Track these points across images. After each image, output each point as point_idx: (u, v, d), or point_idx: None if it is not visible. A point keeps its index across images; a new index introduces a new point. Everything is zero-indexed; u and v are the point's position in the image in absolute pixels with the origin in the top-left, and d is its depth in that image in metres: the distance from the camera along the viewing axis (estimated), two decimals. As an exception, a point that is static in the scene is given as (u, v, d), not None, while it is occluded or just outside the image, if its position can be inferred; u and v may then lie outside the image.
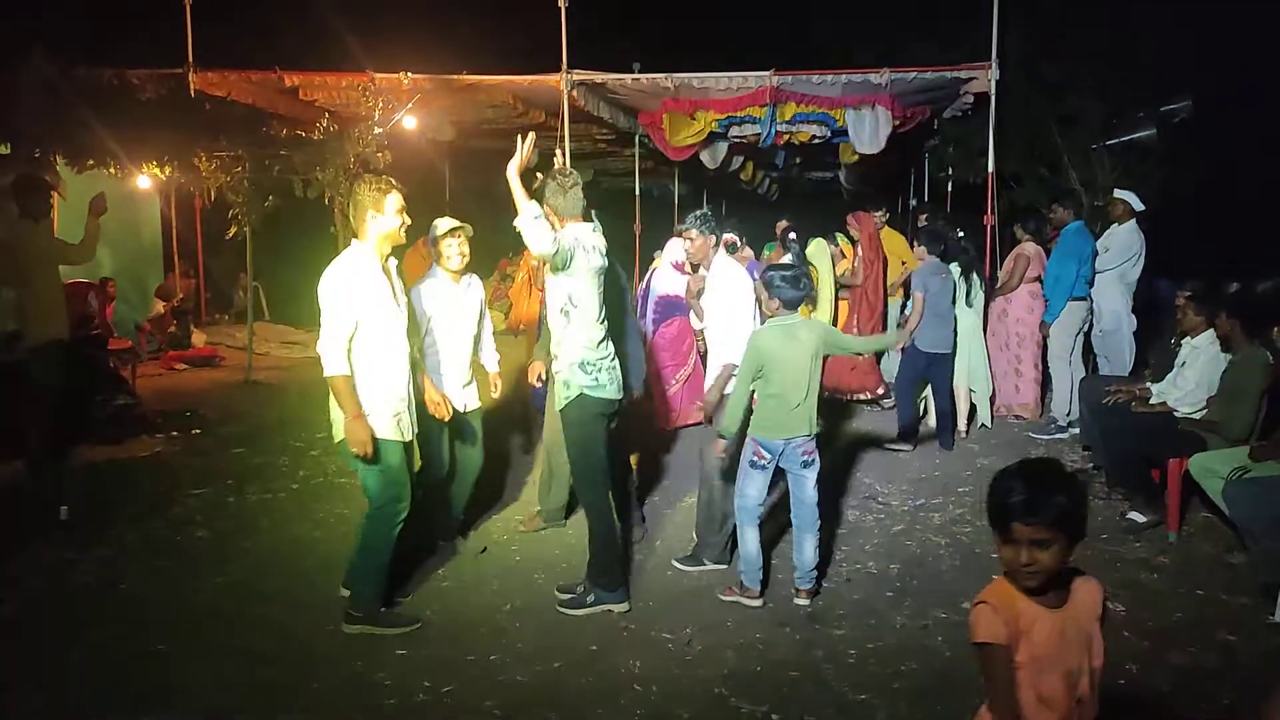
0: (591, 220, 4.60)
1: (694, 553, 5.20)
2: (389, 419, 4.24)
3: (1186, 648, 4.15)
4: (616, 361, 4.59)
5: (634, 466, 5.86)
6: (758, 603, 4.64)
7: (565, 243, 4.28)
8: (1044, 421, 8.02)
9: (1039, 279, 8.01)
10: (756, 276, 5.01)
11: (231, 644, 4.21)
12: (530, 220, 4.14)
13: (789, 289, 4.50)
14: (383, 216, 4.19)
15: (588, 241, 4.42)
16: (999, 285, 8.20)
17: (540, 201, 4.32)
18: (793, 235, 8.17)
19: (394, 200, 4.21)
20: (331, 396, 4.17)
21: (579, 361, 4.45)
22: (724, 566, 5.05)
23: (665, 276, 7.23)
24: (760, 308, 4.83)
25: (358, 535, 4.46)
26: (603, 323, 4.52)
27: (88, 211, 6.72)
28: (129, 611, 4.54)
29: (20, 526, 5.61)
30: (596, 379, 4.46)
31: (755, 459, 4.60)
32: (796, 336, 4.50)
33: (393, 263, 4.37)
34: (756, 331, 4.65)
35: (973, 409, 7.97)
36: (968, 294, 7.79)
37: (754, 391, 4.56)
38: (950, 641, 4.25)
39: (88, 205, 6.73)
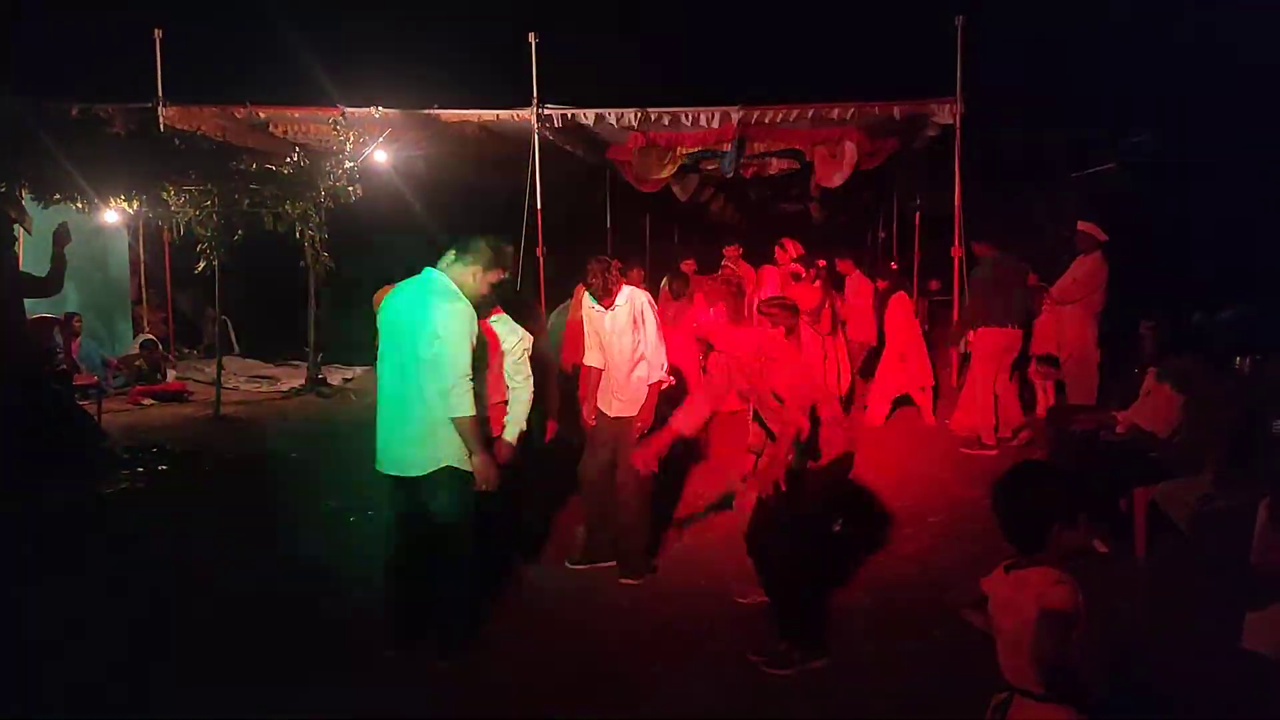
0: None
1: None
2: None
3: (1155, 673, 4.17)
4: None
5: None
6: None
7: None
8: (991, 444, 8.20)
9: None
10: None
11: (196, 682, 4.15)
12: None
13: None
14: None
15: None
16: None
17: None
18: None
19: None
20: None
21: None
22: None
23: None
24: None
25: (443, 579, 4.38)
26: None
27: (52, 243, 6.65)
28: (92, 649, 4.45)
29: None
30: None
31: None
32: None
33: None
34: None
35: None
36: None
37: None
38: (921, 672, 4.25)
39: (51, 237, 6.66)
